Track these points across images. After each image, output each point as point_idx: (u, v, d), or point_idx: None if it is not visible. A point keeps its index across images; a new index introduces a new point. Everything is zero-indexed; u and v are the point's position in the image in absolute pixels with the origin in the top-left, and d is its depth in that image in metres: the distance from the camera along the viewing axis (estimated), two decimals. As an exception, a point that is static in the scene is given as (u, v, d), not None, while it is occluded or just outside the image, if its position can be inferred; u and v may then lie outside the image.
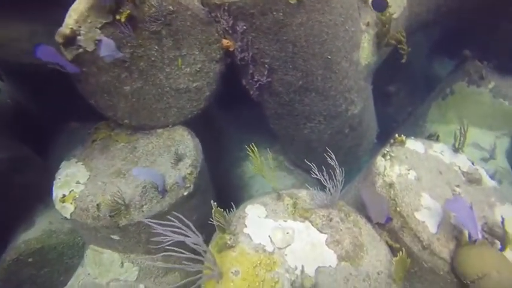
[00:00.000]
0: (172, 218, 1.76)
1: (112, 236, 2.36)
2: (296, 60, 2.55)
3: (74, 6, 2.18)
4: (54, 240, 2.92)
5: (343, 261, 1.92)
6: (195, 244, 1.72)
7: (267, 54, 2.56)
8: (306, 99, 2.82)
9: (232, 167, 3.90)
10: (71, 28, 2.16)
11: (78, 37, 2.21)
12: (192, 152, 2.59)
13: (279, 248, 1.92)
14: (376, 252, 2.03)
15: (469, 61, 4.02)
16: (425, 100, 4.62)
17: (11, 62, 3.05)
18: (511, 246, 2.09)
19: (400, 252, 1.92)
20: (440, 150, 2.62)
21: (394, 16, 2.94)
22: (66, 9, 2.20)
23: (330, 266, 1.89)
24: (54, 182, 2.48)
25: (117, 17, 2.24)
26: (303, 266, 1.86)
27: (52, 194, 2.41)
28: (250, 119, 4.04)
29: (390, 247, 2.14)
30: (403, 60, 2.93)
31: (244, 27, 2.46)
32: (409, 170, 2.38)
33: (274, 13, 2.31)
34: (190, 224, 1.75)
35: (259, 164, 2.14)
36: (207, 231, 2.20)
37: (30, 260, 2.80)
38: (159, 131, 2.83)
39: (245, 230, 2.01)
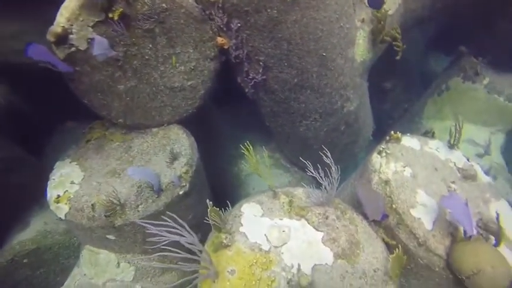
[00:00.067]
0: (167, 218, 1.75)
1: (108, 236, 2.35)
2: (291, 58, 2.54)
3: (65, 4, 2.15)
4: (49, 241, 2.90)
5: (339, 259, 1.92)
6: (190, 244, 1.71)
7: (261, 51, 2.55)
8: (301, 96, 2.81)
9: (228, 165, 3.89)
10: (63, 26, 2.13)
11: (70, 36, 2.18)
12: (187, 151, 2.58)
13: (275, 247, 1.92)
14: (373, 250, 2.03)
15: (464, 57, 4.02)
16: (421, 96, 4.63)
17: (1, 61, 3.01)
18: (505, 241, 2.11)
19: (397, 249, 1.93)
20: (435, 147, 2.63)
21: (389, 12, 2.93)
22: (57, 6, 2.16)
23: (326, 263, 1.89)
24: (49, 182, 2.45)
25: (110, 15, 2.22)
26: (299, 264, 1.86)
27: (46, 194, 2.39)
28: (245, 117, 4.03)
29: (386, 244, 2.14)
30: (398, 57, 2.93)
31: (239, 24, 2.45)
32: (404, 167, 2.38)
33: (269, 10, 2.29)
34: (185, 224, 1.73)
35: (255, 162, 2.13)
36: (203, 230, 2.20)
37: (25, 261, 2.78)
38: (154, 130, 2.81)
39: (241, 229, 2.00)
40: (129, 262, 2.50)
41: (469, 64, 3.92)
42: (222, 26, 2.54)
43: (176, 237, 1.69)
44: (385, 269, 1.96)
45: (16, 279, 2.83)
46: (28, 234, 2.87)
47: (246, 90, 2.95)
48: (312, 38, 2.45)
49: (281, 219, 2.08)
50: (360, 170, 2.67)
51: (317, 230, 2.04)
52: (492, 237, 2.09)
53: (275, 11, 2.29)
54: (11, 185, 3.00)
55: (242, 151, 2.15)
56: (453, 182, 2.37)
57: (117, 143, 2.74)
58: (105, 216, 2.22)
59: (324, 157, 2.13)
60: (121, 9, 2.20)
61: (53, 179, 2.46)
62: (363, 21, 2.88)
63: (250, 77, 2.77)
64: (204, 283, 1.81)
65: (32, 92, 3.59)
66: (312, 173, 2.15)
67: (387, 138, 2.58)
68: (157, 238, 1.70)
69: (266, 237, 1.96)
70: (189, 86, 2.70)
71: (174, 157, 2.51)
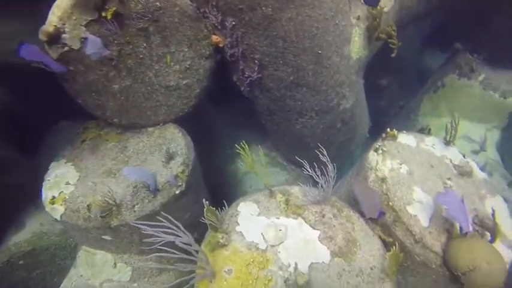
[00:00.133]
0: (162, 219, 1.74)
1: (104, 237, 2.33)
2: (286, 56, 2.52)
3: (57, 2, 2.12)
4: (45, 242, 2.88)
5: (336, 257, 1.92)
6: (186, 244, 1.71)
7: (257, 50, 2.53)
8: (297, 94, 2.80)
9: (225, 164, 3.88)
10: (55, 26, 2.11)
11: (63, 35, 2.16)
12: (183, 150, 2.57)
13: (272, 246, 1.92)
14: (369, 247, 2.03)
15: (460, 54, 4.03)
16: (417, 93, 4.63)
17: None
18: (500, 237, 2.12)
19: (394, 247, 1.93)
20: (431, 144, 2.63)
21: (385, 10, 2.92)
22: (49, 5, 2.14)
23: (323, 262, 1.89)
24: (44, 183, 2.44)
25: (103, 14, 2.19)
26: (296, 263, 1.86)
27: (41, 195, 2.37)
28: (242, 116, 4.01)
29: (383, 241, 2.15)
30: (393, 55, 2.92)
31: (234, 22, 2.43)
32: (401, 164, 2.38)
33: (263, 8, 2.28)
34: (180, 225, 1.72)
35: (251, 161, 2.12)
36: (200, 229, 2.19)
37: (21, 262, 2.76)
38: (150, 129, 2.79)
39: (237, 228, 2.00)
40: (126, 262, 2.49)
41: (464, 61, 3.93)
42: (216, 24, 2.52)
43: (172, 238, 1.68)
44: (382, 267, 1.96)
45: (12, 281, 2.81)
46: (24, 236, 2.85)
47: (242, 88, 2.94)
48: (307, 36, 2.44)
49: (278, 218, 2.08)
50: (357, 168, 2.67)
51: (314, 228, 2.04)
52: (488, 234, 2.10)
53: (270, 9, 2.28)
54: (6, 186, 2.97)
55: (238, 150, 2.15)
56: (449, 179, 2.38)
57: (112, 142, 2.73)
58: (101, 216, 2.21)
59: (320, 155, 2.13)
60: (114, 8, 2.18)
61: (48, 180, 2.44)
62: (358, 18, 2.87)
63: (245, 76, 2.75)
64: (201, 283, 1.81)
65: (26, 91, 3.56)
66: (308, 172, 2.14)
67: (383, 135, 2.59)
68: (153, 239, 1.68)
69: (263, 236, 1.96)
70: (184, 84, 2.68)
71: (170, 156, 2.49)
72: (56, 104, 3.09)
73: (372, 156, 2.43)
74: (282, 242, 1.94)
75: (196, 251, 1.74)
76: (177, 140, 2.66)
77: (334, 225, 2.08)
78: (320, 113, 2.98)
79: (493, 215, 2.16)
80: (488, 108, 3.84)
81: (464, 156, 2.58)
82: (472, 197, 2.31)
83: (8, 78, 3.48)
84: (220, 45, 2.62)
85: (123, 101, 2.59)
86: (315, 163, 2.15)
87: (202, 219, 1.93)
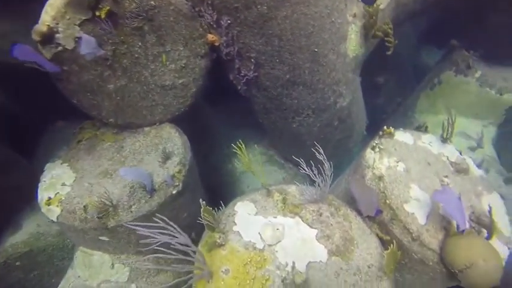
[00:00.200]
0: (158, 220, 1.73)
1: (101, 238, 2.32)
2: (282, 54, 2.51)
3: (50, 1, 2.09)
4: (42, 243, 2.87)
5: (333, 256, 1.92)
6: (183, 245, 1.70)
7: (252, 48, 2.52)
8: (293, 93, 2.79)
9: (222, 164, 3.87)
10: (48, 25, 2.08)
11: (57, 35, 2.14)
12: (180, 150, 2.56)
13: (269, 245, 1.92)
14: (367, 246, 2.03)
15: (456, 50, 4.03)
16: (414, 90, 4.64)
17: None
18: (497, 234, 2.13)
19: (391, 245, 1.93)
20: (428, 141, 2.63)
21: (381, 7, 2.92)
22: (41, 4, 2.11)
23: (320, 261, 1.89)
24: (39, 184, 2.42)
25: (97, 13, 2.17)
26: (293, 262, 1.85)
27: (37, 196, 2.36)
28: (238, 114, 4.00)
29: (381, 239, 2.15)
30: (389, 52, 2.92)
31: (229, 21, 2.42)
32: (398, 162, 2.38)
33: (259, 6, 2.26)
34: (175, 226, 1.72)
35: (247, 161, 2.11)
36: (198, 229, 2.19)
37: (18, 263, 2.75)
38: (146, 129, 2.78)
39: (235, 228, 1.99)
40: (123, 263, 2.49)
41: (461, 57, 3.93)
42: (212, 23, 2.51)
43: (168, 239, 1.67)
44: (380, 265, 1.96)
45: (9, 282, 2.80)
46: (20, 237, 2.84)
47: (239, 87, 2.93)
48: (303, 34, 2.43)
49: (275, 217, 2.07)
50: (354, 166, 2.67)
51: (311, 227, 2.04)
52: (484, 231, 2.11)
53: (265, 7, 2.26)
54: (3, 187, 2.96)
55: (235, 149, 2.14)
56: (446, 176, 2.38)
57: (108, 143, 2.71)
58: (98, 217, 2.20)
59: (317, 154, 2.13)
60: (108, 7, 2.16)
61: (44, 181, 2.42)
62: (354, 16, 2.86)
63: (242, 74, 2.74)
64: (198, 283, 1.80)
65: (22, 91, 3.53)
66: (305, 170, 2.14)
67: (380, 133, 2.58)
68: (149, 240, 1.68)
69: (260, 235, 1.96)
70: (180, 84, 2.67)
71: (166, 156, 2.48)
72: (52, 103, 3.07)
73: (369, 154, 2.43)
74: (279, 241, 1.94)
75: (194, 252, 1.74)
76: (174, 140, 2.64)
77: (331, 224, 2.08)
78: (317, 111, 2.98)
79: (489, 212, 2.17)
80: (484, 104, 3.85)
81: (461, 153, 2.58)
82: (469, 194, 2.32)
83: (2, 78, 3.46)
84: (216, 44, 2.61)
85: (119, 100, 2.57)
86: (312, 161, 2.15)
87: (199, 220, 1.92)
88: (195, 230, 2.46)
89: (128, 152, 2.62)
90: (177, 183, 2.39)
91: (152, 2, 2.27)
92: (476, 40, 3.90)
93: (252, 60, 2.59)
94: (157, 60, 2.52)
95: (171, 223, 1.73)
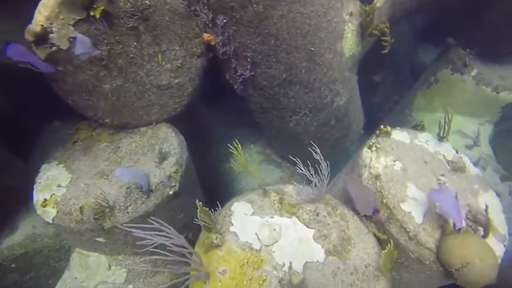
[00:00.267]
0: (153, 222, 1.72)
1: (97, 239, 2.31)
2: (279, 54, 2.50)
3: (43, 1, 2.06)
4: (38, 244, 2.85)
5: (330, 256, 1.92)
6: (179, 246, 1.69)
7: (249, 47, 2.51)
8: (290, 92, 2.79)
9: (220, 163, 3.86)
10: (42, 25, 2.06)
11: (51, 35, 2.12)
12: (176, 150, 2.55)
13: (266, 245, 1.91)
14: (364, 245, 2.04)
15: (452, 49, 4.03)
16: (410, 89, 4.64)
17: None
18: (493, 232, 2.14)
19: (389, 245, 1.94)
20: (425, 140, 2.64)
21: (377, 5, 2.91)
22: (35, 4, 2.09)
23: (317, 261, 1.89)
24: (35, 185, 2.40)
25: (91, 13, 2.15)
26: (290, 263, 1.85)
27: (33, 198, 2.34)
28: (235, 113, 3.99)
29: (378, 239, 2.15)
30: (385, 51, 2.92)
31: (225, 20, 2.40)
32: (394, 161, 2.38)
33: (254, 6, 2.25)
34: (171, 228, 1.71)
35: (244, 161, 2.11)
36: (195, 229, 2.18)
37: (13, 265, 2.73)
38: (143, 129, 2.77)
39: (231, 228, 1.99)
40: (120, 264, 2.48)
41: (457, 56, 3.93)
42: (207, 22, 2.49)
43: (164, 240, 1.66)
44: (377, 264, 1.97)
45: (5, 284, 2.78)
46: (16, 239, 2.82)
47: (235, 86, 2.92)
48: (299, 33, 2.42)
49: (272, 217, 2.07)
50: (351, 165, 2.67)
51: (308, 227, 2.04)
52: (481, 229, 2.11)
53: (261, 6, 2.25)
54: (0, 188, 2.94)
55: (231, 149, 2.13)
56: (443, 175, 2.39)
57: (104, 143, 2.69)
58: (94, 218, 2.19)
59: (314, 153, 2.12)
60: (103, 7, 2.14)
61: (39, 182, 2.41)
62: (351, 14, 2.85)
63: (238, 74, 2.73)
64: (195, 284, 1.80)
65: (17, 91, 3.50)
66: (302, 170, 2.13)
67: (377, 132, 2.58)
68: (146, 241, 1.67)
69: (257, 236, 1.95)
70: (177, 84, 2.65)
71: (163, 157, 2.47)
72: (48, 104, 3.05)
73: (366, 154, 2.43)
74: (276, 242, 1.94)
75: (190, 253, 1.73)
76: (170, 140, 2.63)
77: (328, 224, 2.08)
78: (314, 111, 2.97)
79: (486, 210, 2.18)
80: (481, 103, 3.86)
81: (457, 152, 2.59)
82: (465, 192, 2.32)
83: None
84: (212, 43, 2.60)
85: (115, 101, 2.55)
86: (309, 161, 2.15)
87: (196, 221, 1.92)
88: (192, 231, 2.46)
89: (124, 152, 2.61)
90: (174, 184, 2.38)
91: (147, 2, 2.25)
92: (472, 38, 3.91)
93: (249, 59, 2.58)
94: (153, 60, 2.50)
95: (166, 225, 1.72)
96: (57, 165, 2.55)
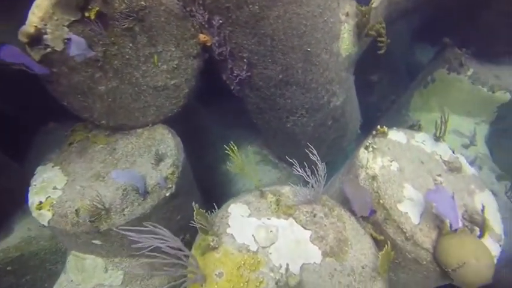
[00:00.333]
0: (149, 226, 1.71)
1: (93, 241, 2.30)
2: (275, 54, 2.50)
3: (37, 2, 2.04)
4: (34, 247, 2.82)
5: (327, 257, 1.92)
6: (175, 249, 1.68)
7: (245, 48, 2.50)
8: (287, 92, 2.78)
9: (217, 164, 3.85)
10: (35, 26, 2.04)
11: (45, 36, 2.10)
12: (173, 152, 2.53)
13: (263, 247, 1.91)
14: (361, 246, 2.04)
15: (448, 48, 4.04)
16: (407, 88, 4.65)
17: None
18: (489, 231, 2.14)
19: (386, 246, 1.94)
20: (422, 140, 2.64)
21: (374, 5, 2.90)
22: (29, 4, 2.07)
23: (314, 262, 1.89)
24: (30, 188, 2.38)
25: (86, 14, 2.13)
26: (287, 264, 1.85)
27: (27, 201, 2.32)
28: (232, 114, 3.98)
29: (374, 240, 2.15)
30: (382, 51, 2.92)
31: (221, 21, 2.39)
32: (391, 161, 2.39)
33: (250, 6, 2.24)
34: (166, 231, 1.70)
35: (240, 163, 2.10)
36: (192, 231, 2.17)
37: (9, 268, 2.70)
38: (139, 130, 2.75)
39: (228, 230, 1.98)
40: (117, 266, 2.46)
41: (453, 55, 3.94)
42: (203, 23, 2.48)
43: (160, 244, 1.65)
44: (374, 265, 1.97)
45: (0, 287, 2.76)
46: (11, 241, 2.79)
47: (231, 87, 2.91)
48: (295, 34, 2.42)
49: (269, 219, 2.07)
50: (347, 166, 2.67)
51: (305, 228, 2.03)
52: (477, 229, 2.12)
53: (257, 7, 2.24)
54: (-5, 190, 2.92)
55: (227, 151, 2.12)
56: (439, 175, 2.39)
57: (100, 145, 2.68)
58: (90, 221, 2.17)
59: (310, 154, 2.12)
60: (97, 8, 2.12)
61: (34, 185, 2.39)
62: (347, 14, 2.84)
63: (234, 74, 2.72)
64: (192, 287, 1.79)
65: (12, 92, 3.48)
66: (299, 171, 2.13)
67: (374, 132, 2.59)
68: (141, 244, 1.66)
69: (254, 237, 1.95)
70: (173, 85, 2.64)
71: (159, 158, 2.46)
72: (44, 105, 3.02)
73: (363, 154, 2.43)
74: (273, 243, 1.93)
75: (186, 256, 1.72)
76: (167, 141, 2.62)
77: (325, 225, 2.07)
78: (310, 111, 2.97)
79: (482, 210, 2.18)
80: (477, 102, 3.87)
81: (453, 152, 2.59)
82: (462, 192, 2.33)
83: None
84: (208, 44, 2.59)
85: (111, 102, 2.54)
86: (306, 162, 2.14)
87: (192, 223, 1.91)
88: (189, 232, 2.45)
89: (120, 154, 2.60)
90: (170, 185, 2.37)
91: (143, 3, 2.24)
92: (468, 38, 3.92)
93: (245, 60, 2.57)
94: (148, 61, 2.49)
95: (162, 227, 1.71)
96: (52, 167, 2.53)
